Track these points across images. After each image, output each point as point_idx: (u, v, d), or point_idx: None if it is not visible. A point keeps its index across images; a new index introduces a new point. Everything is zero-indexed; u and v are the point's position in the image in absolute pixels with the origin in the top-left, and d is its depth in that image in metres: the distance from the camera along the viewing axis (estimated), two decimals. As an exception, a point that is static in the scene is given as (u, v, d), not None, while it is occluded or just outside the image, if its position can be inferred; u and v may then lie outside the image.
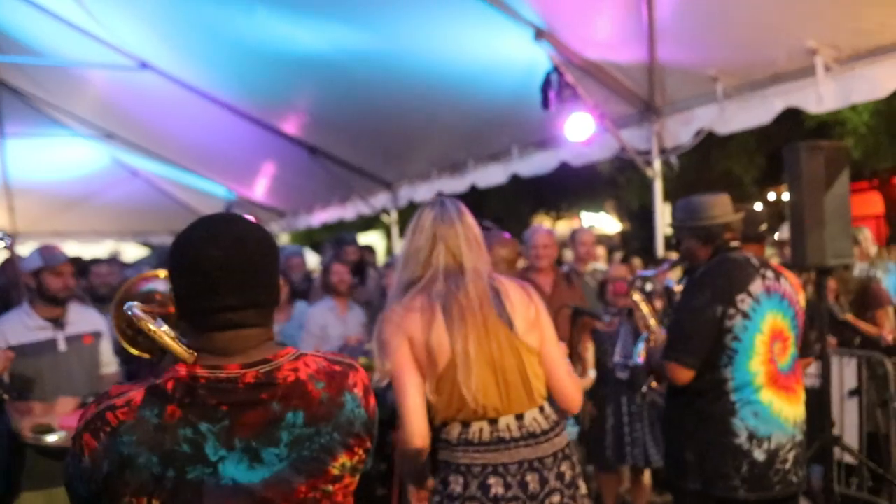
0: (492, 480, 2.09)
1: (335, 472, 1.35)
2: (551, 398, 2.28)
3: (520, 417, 2.14)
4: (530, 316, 2.21)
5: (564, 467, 2.16)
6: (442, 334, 2.11)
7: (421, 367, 2.14)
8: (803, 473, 2.80)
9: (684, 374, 2.76)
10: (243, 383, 1.30)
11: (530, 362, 2.17)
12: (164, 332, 1.40)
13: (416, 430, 2.12)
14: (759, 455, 2.69)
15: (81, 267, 6.00)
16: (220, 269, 1.30)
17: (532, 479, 2.10)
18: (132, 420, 1.25)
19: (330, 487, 1.35)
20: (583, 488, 2.22)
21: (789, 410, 2.75)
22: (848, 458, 4.66)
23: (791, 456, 2.74)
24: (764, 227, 3.32)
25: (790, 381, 2.79)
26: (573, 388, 2.29)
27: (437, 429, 2.19)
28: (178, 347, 1.35)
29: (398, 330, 2.15)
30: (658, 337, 3.20)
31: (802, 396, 2.86)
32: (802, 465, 2.80)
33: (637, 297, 3.42)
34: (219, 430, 1.27)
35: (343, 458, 1.36)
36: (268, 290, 1.37)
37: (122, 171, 11.32)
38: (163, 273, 2.00)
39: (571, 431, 3.22)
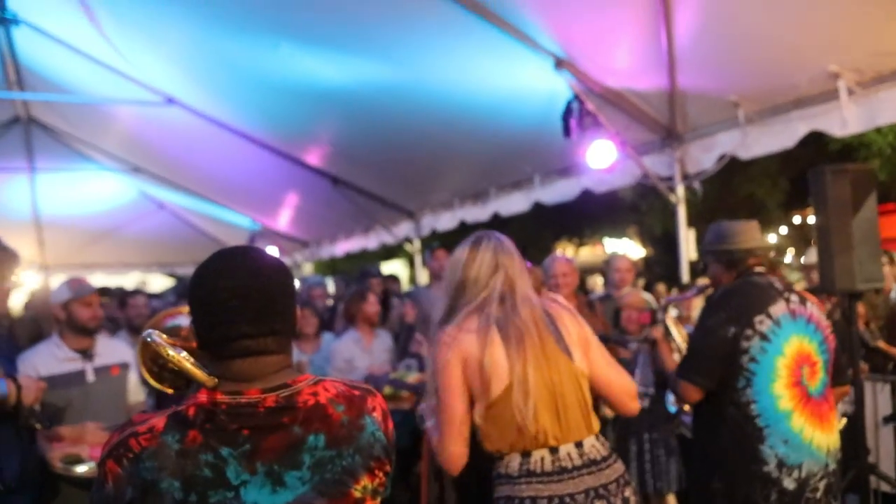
0: None
1: (357, 494, 1.37)
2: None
3: (579, 445, 2.11)
4: (583, 339, 2.22)
5: (628, 492, 2.13)
6: (500, 356, 2.09)
7: (472, 390, 2.11)
8: (836, 503, 2.74)
9: (693, 394, 2.77)
10: (264, 407, 1.32)
11: (586, 389, 2.16)
12: (183, 358, 1.44)
13: (455, 453, 2.11)
14: (788, 483, 2.63)
15: (120, 299, 6.10)
16: (235, 297, 1.33)
17: None
18: (154, 446, 1.27)
19: None
20: None
21: (822, 438, 2.69)
22: (885, 487, 4.55)
23: (822, 485, 2.67)
24: (772, 254, 3.29)
25: (822, 408, 2.73)
26: (631, 389, 2.27)
27: (494, 463, 2.16)
28: (198, 372, 1.39)
29: (451, 350, 2.12)
30: None
31: (836, 424, 2.80)
32: (836, 495, 2.73)
33: (669, 320, 3.40)
34: (240, 455, 1.29)
35: (365, 481, 1.38)
36: (284, 317, 1.40)
37: (148, 203, 11.49)
38: (186, 309, 2.03)
39: None
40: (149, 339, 1.63)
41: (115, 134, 9.25)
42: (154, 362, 1.87)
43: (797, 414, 2.67)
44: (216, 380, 1.35)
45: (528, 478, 2.07)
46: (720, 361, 2.71)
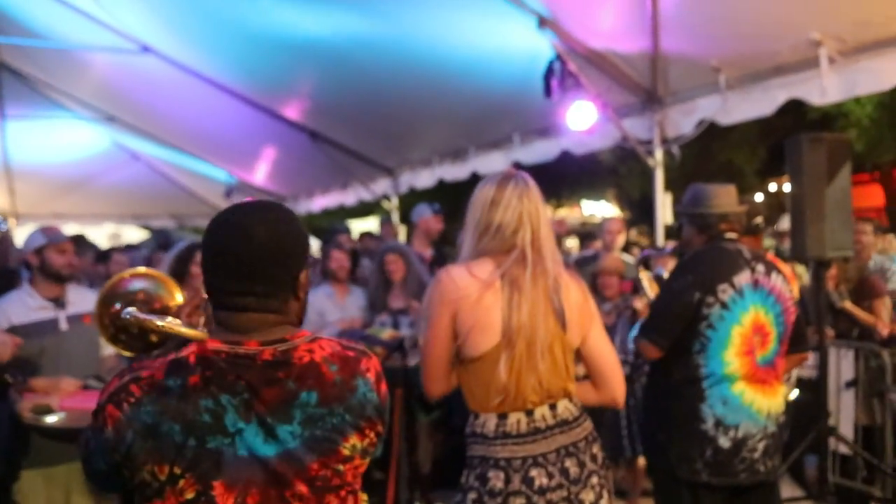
0: (534, 472, 2.06)
1: (346, 452, 1.40)
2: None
3: (553, 407, 2.14)
4: (585, 315, 2.20)
5: (595, 449, 2.17)
6: (495, 314, 2.07)
7: (460, 335, 2.10)
8: (773, 463, 2.83)
9: (652, 352, 2.85)
10: (261, 360, 1.35)
11: (570, 359, 2.18)
12: (171, 324, 1.45)
13: (434, 391, 2.17)
14: (723, 442, 2.74)
15: (98, 254, 6.04)
16: (254, 257, 1.35)
17: (572, 464, 2.10)
18: (156, 390, 1.30)
19: (341, 467, 1.39)
20: (608, 465, 2.23)
21: (763, 402, 2.78)
22: (843, 449, 4.70)
23: (761, 446, 2.78)
24: (759, 219, 3.32)
25: (768, 375, 2.81)
26: (620, 377, 2.28)
27: (469, 418, 2.19)
28: (189, 331, 1.43)
29: (448, 293, 2.10)
30: None
31: (780, 390, 2.88)
32: (773, 456, 2.83)
33: (643, 274, 3.41)
34: (238, 403, 1.32)
35: (354, 440, 1.41)
36: (295, 279, 1.42)
37: (122, 154, 11.29)
38: (143, 270, 2.03)
39: None
40: (128, 317, 1.64)
41: (88, 82, 9.05)
42: (113, 324, 1.87)
43: (740, 379, 2.75)
44: (206, 334, 1.38)
45: (503, 439, 2.09)
46: (681, 324, 2.78)
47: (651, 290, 3.41)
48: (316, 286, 5.39)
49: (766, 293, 2.81)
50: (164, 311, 1.70)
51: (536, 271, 2.10)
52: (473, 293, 2.07)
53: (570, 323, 2.16)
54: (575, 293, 2.20)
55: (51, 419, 3.06)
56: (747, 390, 2.75)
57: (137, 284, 1.98)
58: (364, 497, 1.48)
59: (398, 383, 4.21)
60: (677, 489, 2.82)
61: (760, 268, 2.83)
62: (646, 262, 3.69)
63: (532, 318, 2.08)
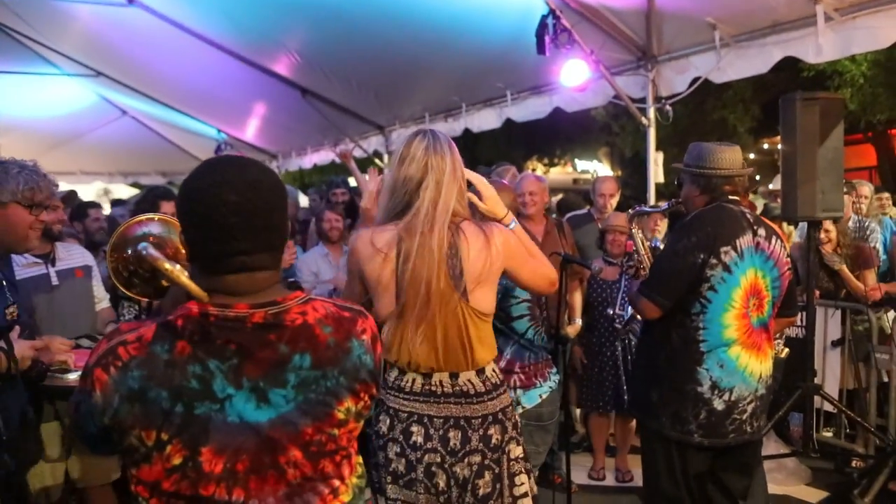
0: (414, 428, 2.11)
1: (340, 415, 1.37)
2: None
3: (454, 376, 2.15)
4: (489, 269, 2.16)
5: (492, 430, 2.15)
6: (390, 281, 2.12)
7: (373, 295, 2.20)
8: (759, 424, 2.88)
9: (652, 311, 2.84)
10: (251, 323, 1.31)
11: (475, 326, 2.15)
12: (179, 271, 1.42)
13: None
14: (718, 405, 2.76)
15: (74, 211, 5.96)
16: (236, 214, 1.30)
17: (454, 436, 2.11)
18: (143, 355, 1.27)
19: (335, 431, 1.37)
20: (515, 452, 2.19)
21: (756, 365, 2.80)
22: (828, 407, 4.77)
23: (750, 408, 2.81)
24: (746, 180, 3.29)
25: (761, 338, 2.83)
26: (545, 269, 2.29)
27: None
28: (193, 286, 1.37)
29: (353, 266, 2.21)
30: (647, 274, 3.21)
31: (771, 353, 2.90)
32: (760, 416, 2.87)
33: (636, 231, 3.35)
34: (227, 368, 1.29)
35: (348, 403, 1.38)
36: (280, 232, 1.39)
37: (110, 110, 11.13)
38: (156, 216, 2.00)
39: (553, 381, 3.25)
40: (144, 252, 1.60)
41: (74, 36, 8.86)
42: (126, 268, 1.86)
43: (737, 343, 2.76)
44: (207, 295, 1.33)
45: (397, 392, 2.16)
46: (683, 285, 2.76)
47: (643, 247, 3.39)
48: (312, 245, 5.39)
49: (765, 257, 2.80)
50: (176, 258, 1.66)
51: (432, 236, 2.10)
52: (374, 262, 2.13)
53: (470, 286, 2.13)
54: (476, 250, 2.14)
55: (73, 376, 3.02)
56: (742, 354, 2.77)
57: (149, 229, 1.96)
58: (359, 460, 1.46)
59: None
60: (666, 448, 2.86)
61: (762, 231, 2.81)
62: (638, 218, 3.65)
63: (426, 287, 2.08)
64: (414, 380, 2.15)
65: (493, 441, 2.14)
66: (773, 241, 2.84)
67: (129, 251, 1.82)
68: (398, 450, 2.12)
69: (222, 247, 1.32)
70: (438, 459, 2.09)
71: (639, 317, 3.26)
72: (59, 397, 3.10)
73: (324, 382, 1.35)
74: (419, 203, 2.12)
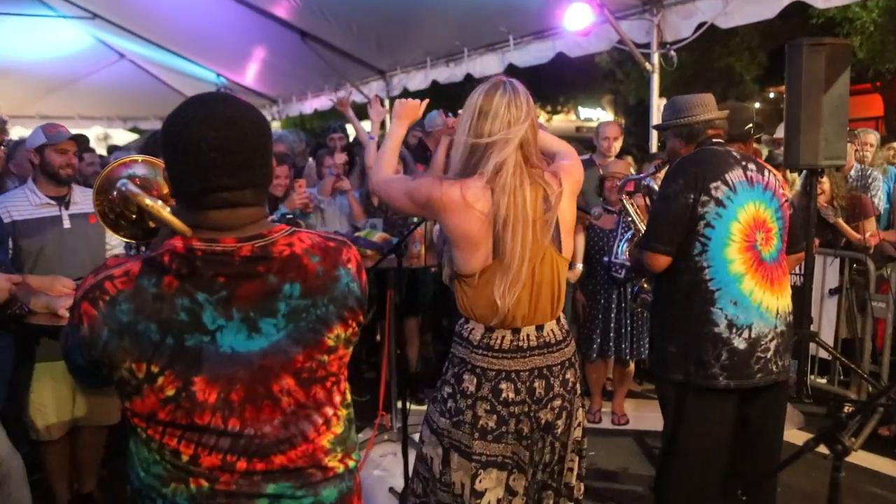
0: (503, 385, 2.14)
1: (330, 342, 1.41)
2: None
3: (540, 328, 2.18)
4: (573, 216, 2.25)
5: (569, 374, 2.23)
6: (485, 238, 2.08)
7: (448, 247, 2.17)
8: (784, 363, 2.82)
9: (660, 261, 2.81)
10: (239, 256, 1.33)
11: (563, 278, 2.20)
12: (160, 207, 1.42)
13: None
14: (739, 343, 2.72)
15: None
16: (216, 150, 1.31)
17: (539, 385, 2.16)
18: (130, 289, 1.29)
19: (325, 357, 1.41)
20: (578, 388, 2.28)
21: (772, 300, 2.77)
22: (823, 354, 4.83)
23: (773, 345, 2.77)
24: (749, 126, 3.28)
25: (775, 272, 2.79)
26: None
27: (459, 320, 2.24)
28: (176, 221, 1.37)
29: (437, 208, 2.11)
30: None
31: (788, 289, 2.87)
32: (784, 356, 2.82)
33: (626, 199, 3.48)
34: (216, 301, 1.31)
35: (338, 330, 1.42)
36: (263, 169, 1.39)
37: (107, 53, 10.96)
38: (140, 158, 2.00)
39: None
40: (123, 189, 1.60)
41: (68, -24, 8.69)
42: (112, 210, 1.86)
43: (748, 277, 2.74)
44: (191, 230, 1.34)
45: (485, 350, 2.15)
46: (681, 228, 2.76)
47: (637, 216, 3.44)
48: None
49: (761, 189, 2.79)
50: (163, 200, 1.66)
51: (524, 192, 2.08)
52: (465, 216, 2.07)
53: (564, 241, 2.19)
54: (566, 203, 2.19)
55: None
56: (756, 289, 2.74)
57: (134, 171, 1.96)
58: (347, 386, 1.50)
59: (390, 284, 4.26)
60: (690, 400, 2.81)
61: (752, 166, 2.81)
62: (628, 191, 3.70)
63: (523, 243, 2.07)
64: (504, 337, 2.15)
65: (570, 384, 2.23)
66: (766, 173, 2.84)
67: (115, 193, 1.81)
68: (488, 407, 2.15)
69: (203, 182, 1.32)
70: (526, 409, 2.16)
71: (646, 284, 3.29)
72: (54, 336, 3.09)
73: (314, 310, 1.39)
74: (506, 159, 2.08)
